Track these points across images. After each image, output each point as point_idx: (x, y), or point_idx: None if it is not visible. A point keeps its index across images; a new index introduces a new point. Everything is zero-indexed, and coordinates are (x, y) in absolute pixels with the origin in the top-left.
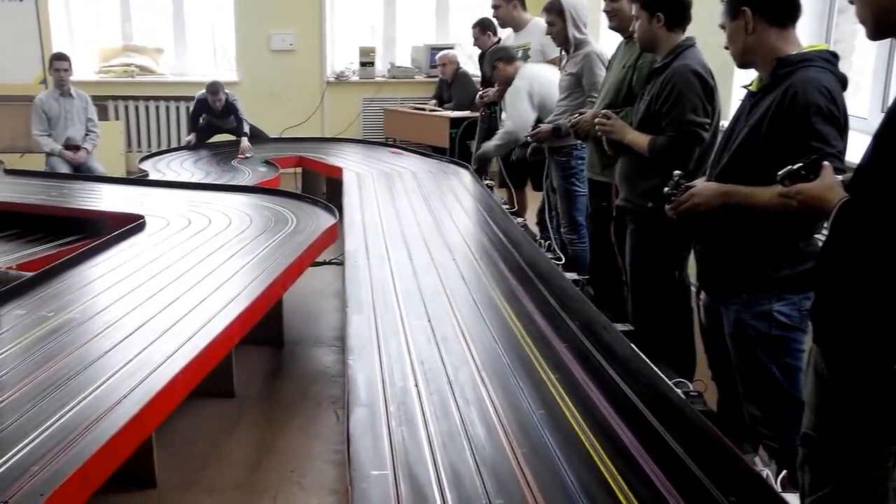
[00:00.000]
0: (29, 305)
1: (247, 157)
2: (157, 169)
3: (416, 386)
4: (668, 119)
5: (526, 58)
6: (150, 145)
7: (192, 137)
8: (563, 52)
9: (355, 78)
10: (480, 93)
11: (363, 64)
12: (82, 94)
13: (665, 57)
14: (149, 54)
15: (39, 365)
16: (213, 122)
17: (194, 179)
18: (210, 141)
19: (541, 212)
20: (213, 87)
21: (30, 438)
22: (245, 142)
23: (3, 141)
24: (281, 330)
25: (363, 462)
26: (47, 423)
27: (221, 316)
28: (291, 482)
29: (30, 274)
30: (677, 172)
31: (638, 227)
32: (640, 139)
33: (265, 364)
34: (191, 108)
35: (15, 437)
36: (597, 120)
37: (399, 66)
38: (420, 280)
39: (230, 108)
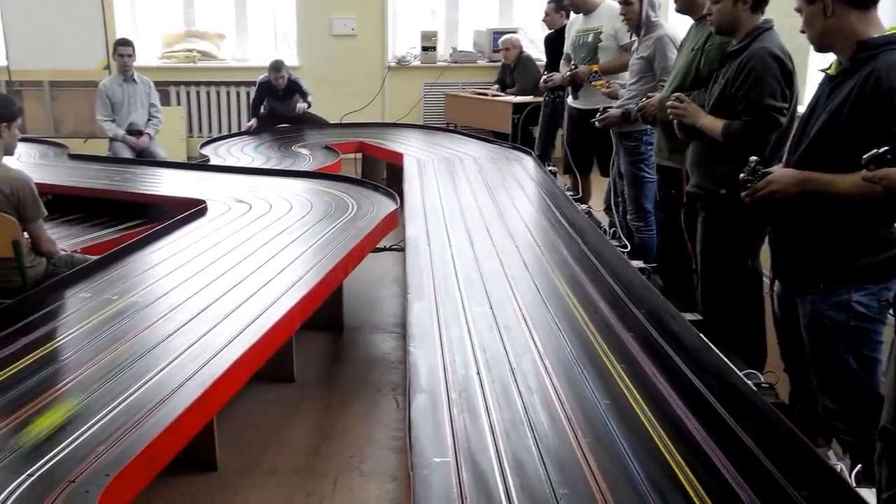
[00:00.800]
0: (94, 288)
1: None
2: (218, 154)
3: (478, 373)
4: (745, 103)
5: (597, 42)
6: (210, 130)
7: (253, 123)
8: (634, 36)
9: (417, 63)
10: (545, 77)
11: (425, 48)
12: (145, 79)
13: (742, 39)
14: (210, 40)
15: (104, 347)
16: (274, 107)
17: (255, 165)
18: (266, 128)
19: (607, 198)
20: (277, 65)
21: (96, 419)
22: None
23: (67, 126)
24: (341, 316)
25: (424, 449)
26: (113, 405)
27: (282, 301)
28: (351, 468)
29: (95, 257)
30: (754, 158)
31: (710, 215)
32: (713, 123)
33: (325, 350)
34: (252, 94)
35: (82, 418)
36: (669, 103)
37: (461, 51)
38: (481, 267)
39: (293, 87)
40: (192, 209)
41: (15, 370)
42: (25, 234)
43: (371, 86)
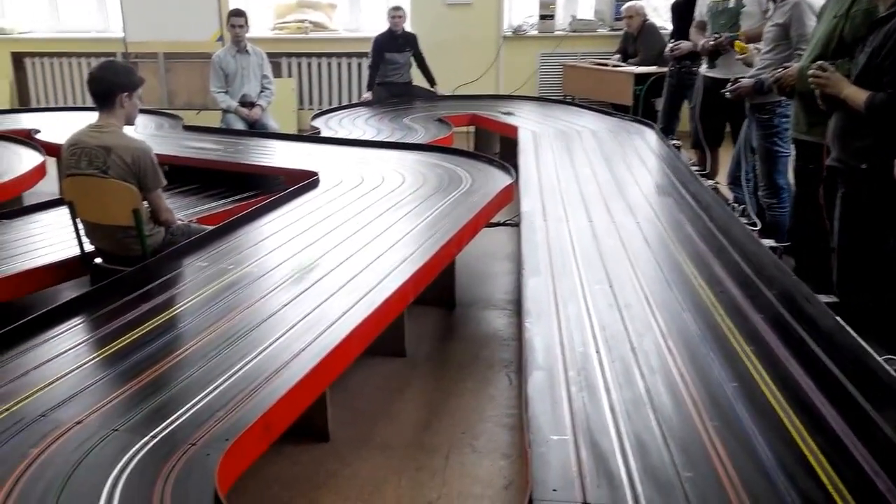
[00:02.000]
0: (210, 258)
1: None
2: (329, 126)
3: (597, 352)
4: (891, 75)
5: (740, 7)
6: (321, 102)
7: (369, 95)
8: (770, 2)
9: (533, 32)
10: (671, 45)
11: (542, 17)
12: (258, 50)
13: (891, 7)
14: (323, 10)
15: (221, 316)
16: (388, 75)
17: (366, 137)
18: (379, 100)
19: (732, 172)
20: (397, 5)
21: (214, 385)
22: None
23: (180, 98)
24: (453, 291)
25: (542, 426)
26: (230, 372)
27: (396, 274)
28: (463, 444)
29: (210, 227)
30: None
31: (850, 190)
32: (857, 95)
33: (436, 325)
34: (369, 58)
35: (201, 384)
36: (811, 72)
37: (581, 19)
38: (600, 243)
39: (410, 40)
40: (304, 181)
41: (136, 336)
42: (145, 203)
43: (485, 56)
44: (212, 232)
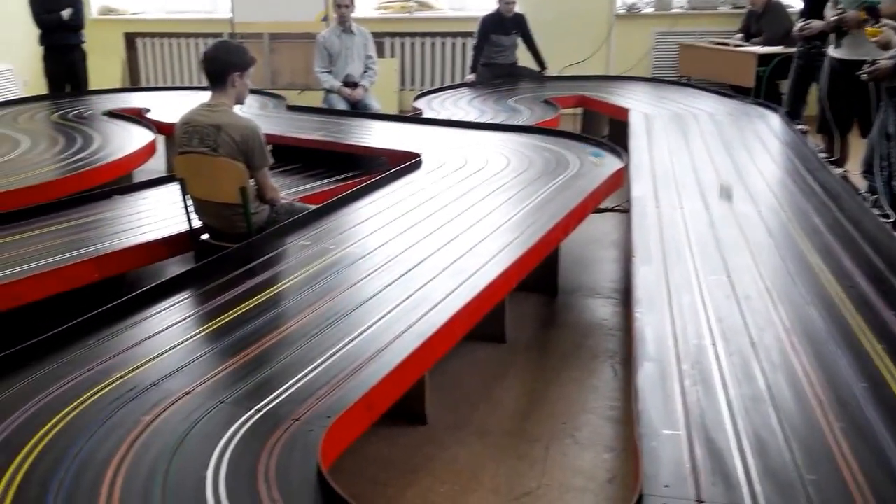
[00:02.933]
0: (313, 237)
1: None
2: (432, 107)
3: (713, 345)
4: None
5: None
6: (422, 83)
7: (472, 77)
8: None
9: (649, 10)
10: (801, 24)
11: None
12: (363, 30)
13: None
14: None
15: (323, 294)
16: (493, 56)
17: (469, 119)
18: (483, 81)
19: (867, 161)
20: None
21: (316, 363)
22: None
23: (283, 78)
24: (556, 278)
25: (653, 420)
26: (332, 350)
27: (499, 258)
28: (565, 434)
29: (313, 206)
30: None
31: None
32: None
33: (537, 312)
34: (474, 39)
35: (303, 361)
36: None
37: None
38: (717, 231)
39: (518, 22)
40: (407, 162)
41: (240, 312)
42: (252, 181)
43: (596, 35)
44: (315, 211)
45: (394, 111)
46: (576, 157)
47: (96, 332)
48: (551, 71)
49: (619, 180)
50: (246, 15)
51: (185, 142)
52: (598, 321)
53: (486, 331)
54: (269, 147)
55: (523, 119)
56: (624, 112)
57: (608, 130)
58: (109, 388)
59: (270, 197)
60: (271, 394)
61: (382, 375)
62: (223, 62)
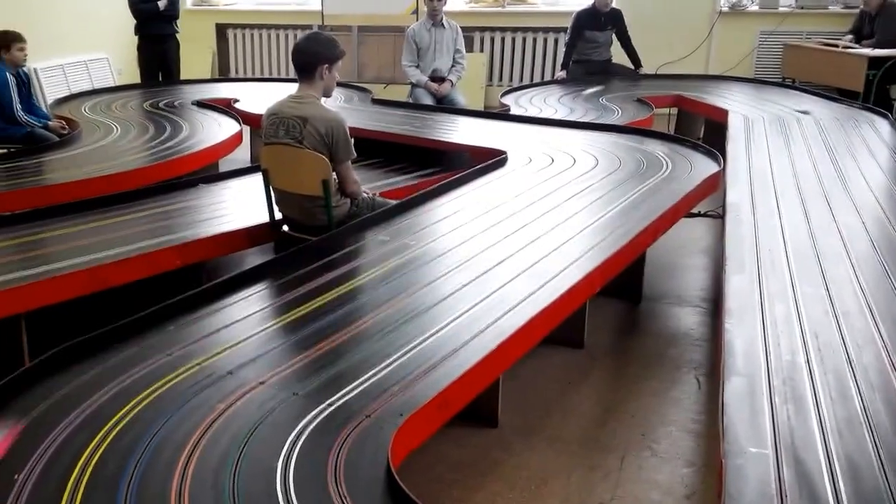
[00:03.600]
0: (392, 232)
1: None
2: (519, 104)
3: (808, 362)
4: None
5: None
6: (511, 79)
7: (563, 74)
8: None
9: (754, 8)
10: None
11: None
12: (453, 24)
13: None
14: None
15: (400, 290)
16: (586, 52)
17: (558, 116)
18: (575, 78)
19: None
20: None
21: (391, 360)
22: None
23: (370, 71)
24: (640, 284)
25: (739, 436)
26: (407, 348)
27: (583, 261)
28: (642, 446)
29: (394, 202)
30: None
31: None
32: None
33: (619, 318)
34: (567, 35)
35: (377, 357)
36: None
37: None
38: (817, 242)
39: (614, 17)
40: (492, 159)
41: (317, 305)
42: (334, 174)
43: (696, 34)
44: (396, 206)
45: (479, 106)
46: (668, 159)
47: (177, 318)
48: (647, 69)
49: (714, 184)
50: (336, 7)
51: (271, 133)
52: (684, 330)
53: (563, 335)
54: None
55: (614, 118)
56: (722, 113)
57: (703, 132)
58: (187, 373)
59: (352, 191)
60: (344, 388)
61: (457, 376)
62: (313, 54)
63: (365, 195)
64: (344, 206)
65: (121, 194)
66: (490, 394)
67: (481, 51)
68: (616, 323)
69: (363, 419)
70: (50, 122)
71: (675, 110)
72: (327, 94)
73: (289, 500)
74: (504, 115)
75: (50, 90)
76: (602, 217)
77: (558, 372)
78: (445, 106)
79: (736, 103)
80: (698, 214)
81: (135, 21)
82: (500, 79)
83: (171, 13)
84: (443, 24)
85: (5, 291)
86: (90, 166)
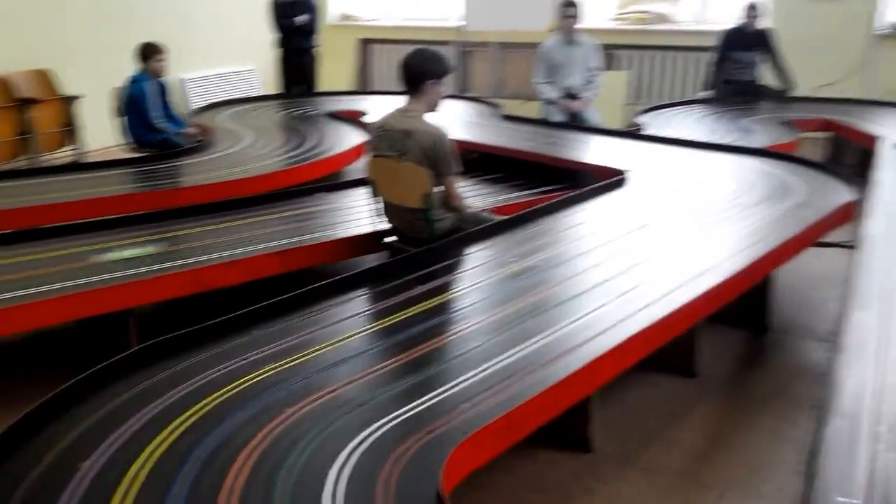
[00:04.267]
0: (495, 248)
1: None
2: (656, 123)
3: None
4: None
5: None
6: (651, 97)
7: (708, 93)
8: None
9: None
10: None
11: None
12: (589, 41)
13: None
14: (670, 0)
15: (493, 306)
16: (732, 73)
17: (694, 137)
18: (720, 98)
19: None
20: (752, 6)
21: (467, 375)
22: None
23: (509, 88)
24: (767, 314)
25: (828, 482)
26: (486, 365)
27: (689, 286)
28: (746, 485)
29: (500, 218)
30: None
31: None
32: None
33: (739, 349)
34: (713, 55)
35: (454, 372)
36: None
37: None
38: None
39: (762, 37)
40: (610, 179)
41: (408, 315)
42: (440, 188)
43: (852, 55)
44: (500, 223)
45: (619, 125)
46: (806, 186)
47: (259, 324)
48: (801, 91)
49: (848, 214)
50: (477, 23)
51: (376, 145)
52: (809, 366)
53: (674, 363)
54: (474, 155)
55: (755, 141)
56: (872, 140)
57: (856, 159)
58: (264, 375)
59: (456, 204)
60: (414, 401)
61: (529, 397)
62: (419, 69)
63: (471, 210)
64: (448, 220)
65: (238, 199)
66: (583, 418)
67: (624, 69)
68: (737, 354)
69: (425, 434)
70: (185, 129)
71: (828, 135)
72: (433, 109)
73: None
74: (634, 133)
75: (197, 99)
76: (718, 241)
77: (665, 401)
78: (577, 123)
79: (890, 130)
80: (832, 244)
81: (276, 35)
82: (642, 97)
83: (310, 29)
84: (577, 41)
85: (112, 287)
86: (215, 171)
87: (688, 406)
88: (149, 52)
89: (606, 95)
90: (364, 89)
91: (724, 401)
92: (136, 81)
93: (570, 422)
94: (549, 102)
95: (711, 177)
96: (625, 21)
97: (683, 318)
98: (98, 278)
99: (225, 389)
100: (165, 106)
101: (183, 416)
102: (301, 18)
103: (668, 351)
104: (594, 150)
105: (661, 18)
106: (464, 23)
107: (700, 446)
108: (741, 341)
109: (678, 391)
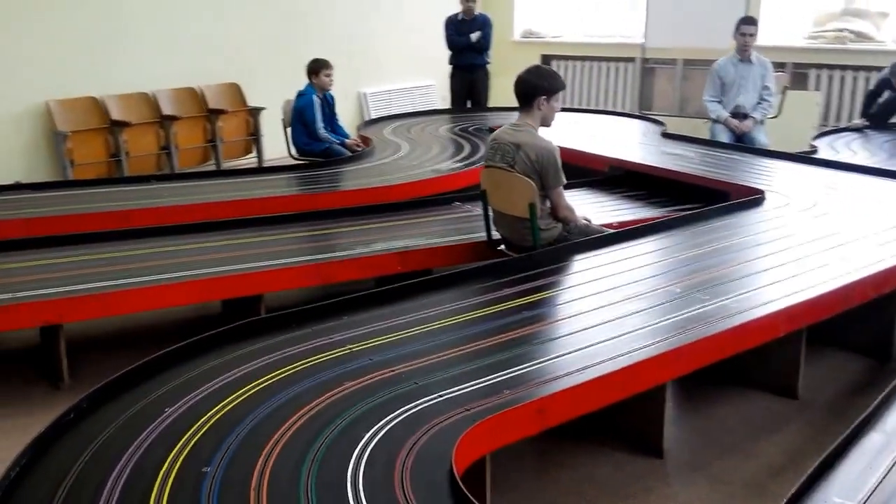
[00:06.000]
0: (598, 258)
1: None
2: (834, 147)
3: None
4: None
5: None
6: (840, 119)
7: (860, 122)
8: None
9: None
10: None
11: None
12: (763, 60)
13: None
14: (870, 19)
15: (566, 313)
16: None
17: (871, 163)
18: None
19: None
20: None
21: (518, 367)
22: None
23: (692, 106)
24: (890, 341)
25: (834, 485)
26: (541, 359)
27: (774, 303)
28: (814, 500)
29: (609, 231)
30: None
31: None
32: None
33: (855, 375)
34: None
35: (509, 363)
36: None
37: None
38: None
39: None
40: (746, 198)
41: (480, 315)
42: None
43: None
44: (608, 236)
45: (803, 147)
46: None
47: (350, 311)
48: None
49: None
50: (659, 40)
51: (490, 156)
52: None
53: (775, 383)
54: (620, 172)
55: None
56: None
57: None
58: (329, 356)
59: (563, 216)
60: (461, 385)
61: (562, 388)
62: (532, 85)
63: (582, 222)
64: (554, 230)
65: (377, 206)
66: (655, 423)
67: (817, 89)
68: (851, 380)
69: (462, 412)
70: (347, 140)
71: None
72: (546, 124)
73: (358, 470)
74: (801, 157)
75: (378, 112)
76: (823, 264)
77: (757, 417)
78: (741, 144)
79: None
80: None
81: (449, 52)
82: (838, 119)
83: (482, 46)
84: (751, 60)
85: (247, 275)
86: (363, 179)
87: (780, 424)
88: (317, 68)
89: (794, 117)
90: None
91: (819, 423)
92: (303, 95)
93: (643, 427)
94: (716, 121)
95: (856, 201)
96: (820, 39)
97: (755, 332)
98: (244, 266)
99: (311, 358)
100: (331, 118)
101: (269, 376)
102: (475, 35)
103: (770, 370)
104: (751, 171)
105: (861, 37)
106: (644, 40)
107: (778, 462)
108: (861, 368)
109: (775, 409)
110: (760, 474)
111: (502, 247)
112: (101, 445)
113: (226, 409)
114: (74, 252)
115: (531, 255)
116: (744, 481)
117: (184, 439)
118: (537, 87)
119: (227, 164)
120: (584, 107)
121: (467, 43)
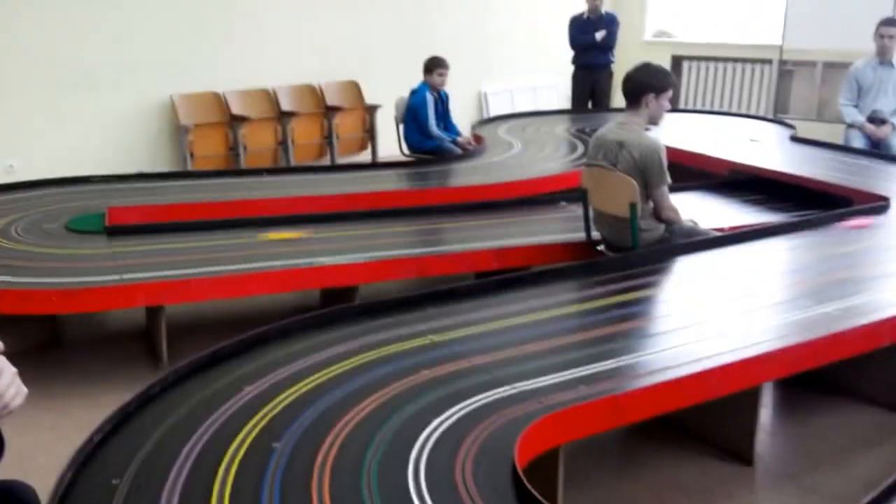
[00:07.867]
0: (699, 260)
1: None
2: None
3: None
4: None
5: None
6: None
7: None
8: None
9: None
10: None
11: None
12: None
13: None
14: None
15: (659, 314)
16: None
17: None
18: None
19: None
20: None
21: (598, 364)
22: None
23: (832, 110)
24: None
25: None
26: (618, 358)
27: (873, 314)
28: None
29: (715, 234)
30: None
31: None
32: None
33: None
34: None
35: (586, 360)
36: None
37: None
38: None
39: None
40: (869, 205)
41: (559, 314)
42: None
43: None
44: (712, 239)
45: None
46: None
47: (436, 303)
48: None
49: None
50: (798, 42)
51: (592, 155)
52: None
53: (881, 396)
54: (739, 175)
55: None
56: None
57: None
58: (414, 344)
59: (667, 216)
60: (538, 378)
61: (639, 387)
62: (640, 83)
63: (688, 224)
64: (656, 231)
65: (482, 203)
66: (746, 429)
67: None
68: None
69: (535, 404)
70: (459, 138)
71: None
72: (654, 123)
73: (422, 454)
74: None
75: (500, 111)
76: None
77: (860, 430)
78: (877, 151)
79: None
80: None
81: (572, 51)
82: None
83: (607, 44)
84: (891, 63)
85: (344, 266)
86: (471, 177)
87: (882, 437)
88: (432, 66)
89: None
90: (673, 107)
91: None
92: (417, 92)
93: (734, 432)
94: (852, 126)
95: None
96: None
97: (851, 342)
98: (342, 257)
99: (391, 346)
100: (444, 116)
101: (348, 361)
102: (600, 34)
103: (879, 385)
104: (873, 178)
105: None
106: (782, 42)
107: (875, 476)
108: None
109: (881, 424)
110: (852, 487)
111: (601, 247)
112: (181, 418)
113: (303, 390)
114: (184, 238)
115: (627, 255)
116: (833, 493)
117: (259, 415)
118: (645, 85)
119: (342, 160)
120: (714, 109)
121: (591, 41)
